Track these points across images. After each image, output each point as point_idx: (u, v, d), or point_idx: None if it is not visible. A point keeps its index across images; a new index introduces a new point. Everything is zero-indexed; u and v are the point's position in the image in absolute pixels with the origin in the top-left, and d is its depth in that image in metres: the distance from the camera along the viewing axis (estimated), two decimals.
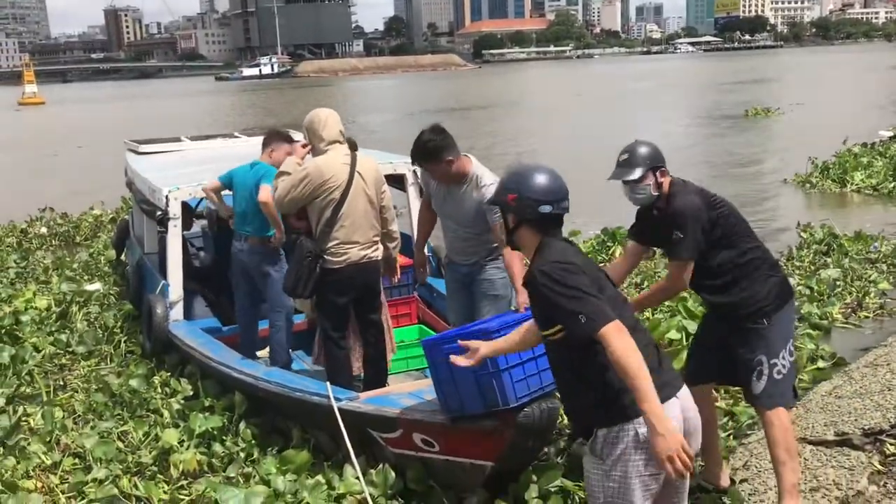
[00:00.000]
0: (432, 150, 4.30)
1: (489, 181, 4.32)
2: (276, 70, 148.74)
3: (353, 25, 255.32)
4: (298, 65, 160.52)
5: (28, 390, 5.58)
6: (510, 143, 23.25)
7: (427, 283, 5.70)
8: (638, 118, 30.46)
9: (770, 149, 19.08)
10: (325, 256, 4.46)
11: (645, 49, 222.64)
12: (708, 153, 19.43)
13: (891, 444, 4.03)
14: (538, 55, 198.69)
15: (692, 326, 5.41)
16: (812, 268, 7.50)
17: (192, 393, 5.03)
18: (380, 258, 4.69)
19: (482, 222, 4.36)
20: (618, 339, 2.38)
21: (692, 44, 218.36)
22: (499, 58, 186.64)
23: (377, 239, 4.65)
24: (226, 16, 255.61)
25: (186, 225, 6.30)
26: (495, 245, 4.42)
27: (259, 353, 5.36)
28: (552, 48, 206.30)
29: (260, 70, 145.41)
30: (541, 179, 2.74)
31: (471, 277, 4.56)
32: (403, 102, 49.19)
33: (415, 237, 5.32)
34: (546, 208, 2.69)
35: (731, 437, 4.38)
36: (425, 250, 5.19)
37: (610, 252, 8.48)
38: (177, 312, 5.61)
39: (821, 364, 5.47)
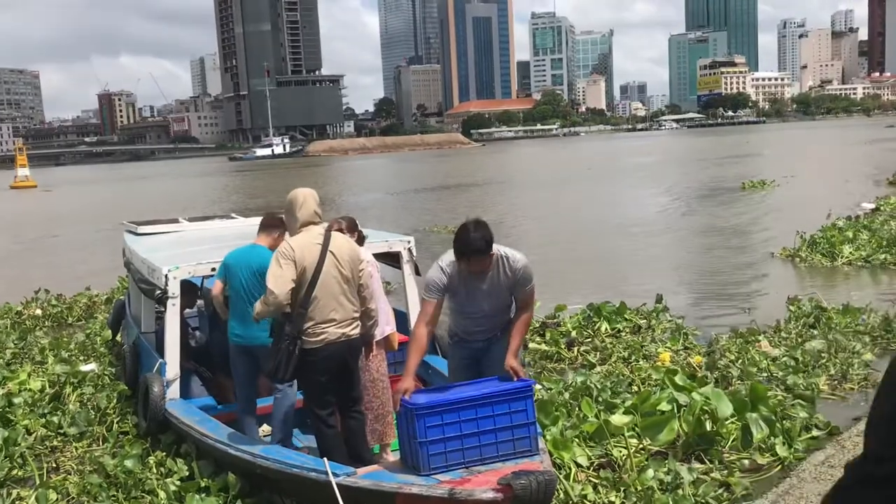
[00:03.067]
0: (485, 245, 4.34)
1: (519, 259, 4.52)
2: (287, 150, 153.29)
3: (344, 107, 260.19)
4: (309, 144, 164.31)
5: (20, 473, 5.53)
6: (523, 218, 23.56)
7: (424, 362, 5.74)
8: (641, 192, 31.06)
9: (762, 221, 19.36)
10: (303, 337, 4.49)
11: (630, 126, 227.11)
12: (700, 224, 19.73)
13: None
14: (525, 133, 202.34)
15: (683, 398, 5.48)
16: (799, 339, 7.58)
17: (188, 473, 5.01)
18: (358, 336, 4.73)
19: (507, 299, 4.58)
20: None
21: (676, 120, 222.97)
22: (487, 136, 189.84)
23: (356, 316, 4.69)
24: (218, 99, 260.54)
25: (190, 302, 6.36)
26: (508, 318, 4.63)
27: (260, 430, 5.36)
28: (539, 126, 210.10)
29: (272, 150, 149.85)
30: None
31: (484, 351, 4.67)
32: (405, 180, 49.82)
33: (411, 315, 5.38)
34: None
35: None
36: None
37: (595, 326, 8.52)
38: (173, 391, 5.63)
39: (815, 433, 5.50)
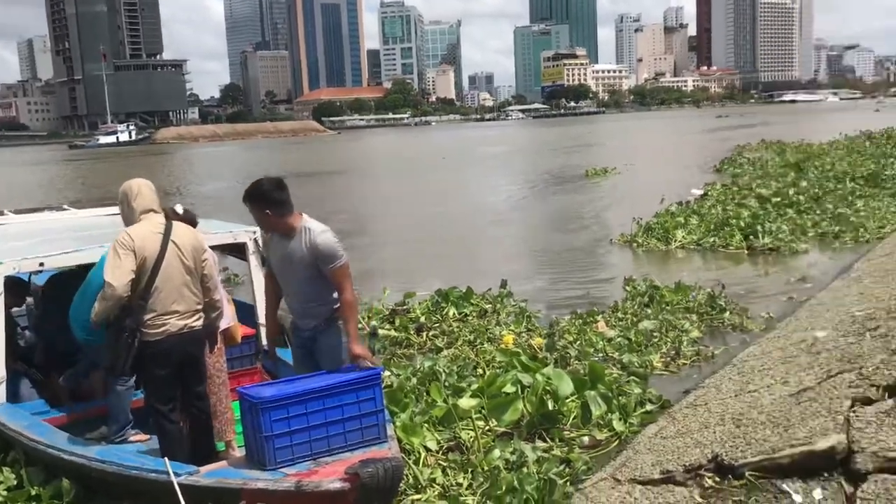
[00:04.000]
0: (255, 193, 4.47)
1: (320, 233, 4.44)
2: (133, 137, 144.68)
3: (188, 93, 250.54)
4: (157, 131, 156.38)
5: None
6: (380, 205, 23.45)
7: (275, 354, 5.64)
8: (493, 180, 31.65)
9: (604, 208, 20.23)
10: (143, 329, 4.34)
11: (479, 116, 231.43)
12: (547, 211, 20.40)
13: (708, 478, 4.35)
14: (377, 122, 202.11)
15: (527, 379, 5.66)
16: (634, 319, 8.01)
17: (15, 482, 4.70)
18: (202, 327, 4.61)
19: (319, 279, 4.45)
20: None
21: (523, 111, 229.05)
22: (339, 124, 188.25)
23: (199, 308, 4.57)
24: (49, 84, 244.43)
25: (17, 300, 5.96)
26: (336, 307, 4.50)
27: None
28: (391, 115, 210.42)
29: (117, 137, 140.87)
30: None
31: (313, 341, 4.60)
32: (258, 168, 48.45)
33: (259, 307, 5.27)
34: None
35: (568, 483, 4.57)
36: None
37: (444, 312, 8.65)
38: None
39: (648, 407, 5.83)
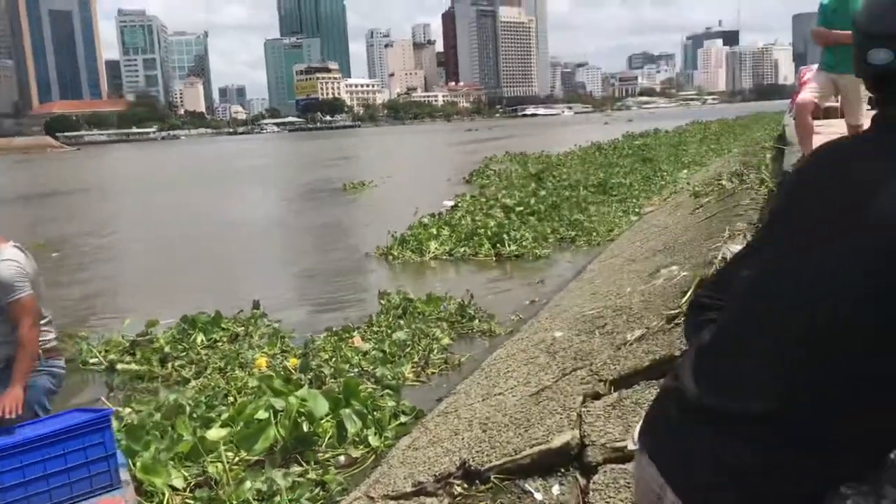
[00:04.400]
0: None
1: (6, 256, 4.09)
2: None
3: None
4: None
5: None
6: (124, 225, 21.79)
7: None
8: (247, 195, 30.83)
9: (362, 221, 20.31)
10: None
11: (232, 130, 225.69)
12: (305, 226, 20.17)
13: (458, 486, 4.45)
14: (120, 137, 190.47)
15: (279, 403, 5.51)
16: (388, 331, 8.10)
17: None
18: None
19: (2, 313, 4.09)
20: None
21: (278, 124, 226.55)
22: (77, 140, 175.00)
23: None
24: None
25: None
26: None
27: None
28: (135, 130, 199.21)
29: None
30: None
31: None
32: None
33: None
34: None
35: None
36: None
37: (191, 339, 8.25)
38: None
39: (403, 419, 5.89)
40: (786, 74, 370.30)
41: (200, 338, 8.19)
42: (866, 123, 1.45)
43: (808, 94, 6.57)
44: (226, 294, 11.28)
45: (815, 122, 6.75)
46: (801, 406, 1.33)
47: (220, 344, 8.14)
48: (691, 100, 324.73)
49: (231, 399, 6.23)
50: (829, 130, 10.49)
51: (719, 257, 6.26)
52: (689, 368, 1.53)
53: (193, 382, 6.93)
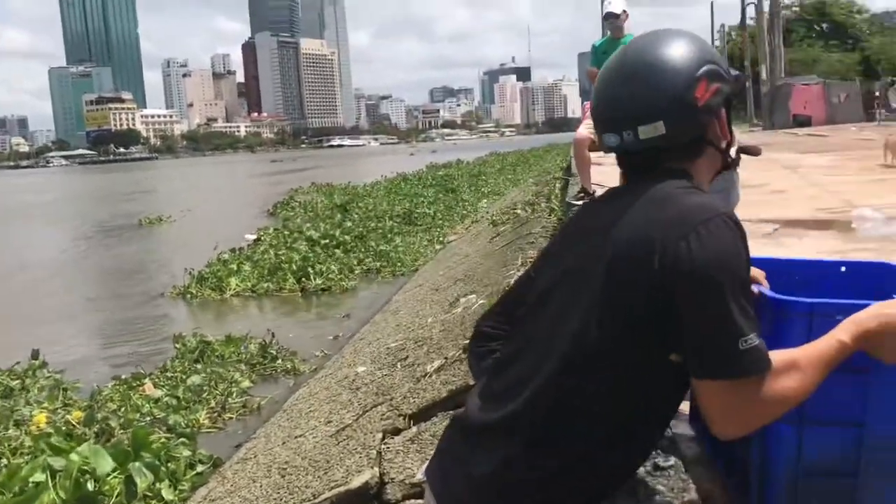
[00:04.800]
0: None
1: None
2: None
3: None
4: None
5: None
6: None
7: None
8: (32, 233, 28.60)
9: (159, 259, 19.35)
10: None
11: (14, 163, 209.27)
12: (96, 266, 18.91)
13: None
14: None
15: (59, 463, 5.07)
16: (183, 377, 7.71)
17: None
18: None
19: None
20: None
21: (66, 157, 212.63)
22: None
23: None
24: None
25: None
26: None
27: None
28: None
29: None
30: None
31: None
32: None
33: None
34: None
35: None
36: None
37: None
38: None
39: (199, 469, 5.59)
40: (573, 108, 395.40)
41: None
42: None
43: (584, 130, 7.01)
44: (3, 342, 10.31)
45: (593, 154, 7.18)
46: (538, 411, 1.50)
47: None
48: (490, 132, 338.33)
49: (3, 462, 5.66)
50: (611, 161, 11.28)
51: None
52: (475, 394, 1.66)
53: None
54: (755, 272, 1.83)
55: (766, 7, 39.01)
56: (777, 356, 1.43)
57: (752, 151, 2.51)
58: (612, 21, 6.95)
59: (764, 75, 38.31)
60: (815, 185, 10.29)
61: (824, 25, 54.12)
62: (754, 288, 1.70)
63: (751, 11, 42.53)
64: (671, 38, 1.56)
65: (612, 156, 1.65)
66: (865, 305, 1.54)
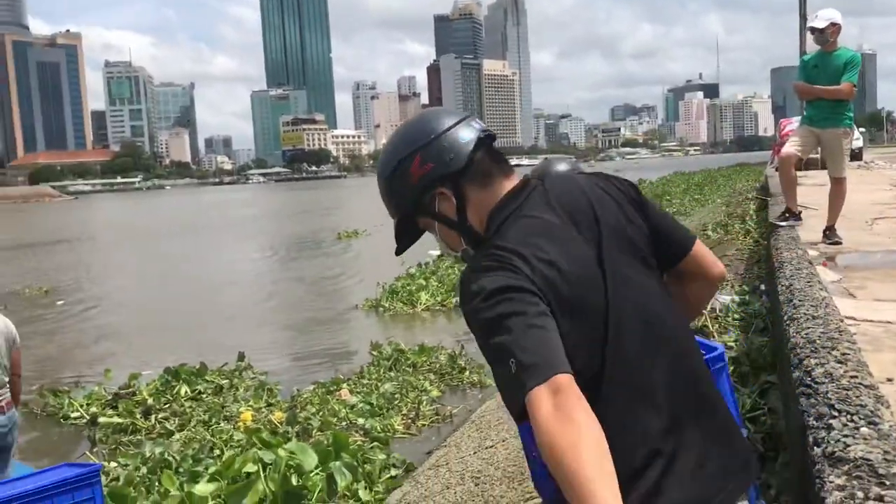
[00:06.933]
0: None
1: None
2: None
3: None
4: None
5: None
6: (114, 276, 21.64)
7: None
8: (237, 245, 30.78)
9: (354, 271, 20.17)
10: None
11: (218, 180, 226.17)
12: (298, 276, 20.07)
13: None
14: (105, 187, 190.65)
15: (268, 457, 5.42)
16: (378, 384, 8.03)
17: None
18: None
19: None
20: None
21: (263, 174, 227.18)
22: (61, 190, 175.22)
23: None
24: None
25: None
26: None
27: None
28: (120, 179, 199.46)
29: None
30: None
31: None
32: None
33: None
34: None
35: None
36: None
37: (174, 391, 8.12)
38: None
39: (393, 472, 5.80)
40: (765, 126, 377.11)
41: (184, 389, 8.08)
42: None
43: (790, 148, 6.67)
44: (212, 346, 11.18)
45: (798, 174, 6.84)
46: None
47: (204, 396, 8.03)
48: (674, 150, 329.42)
49: (217, 452, 6.13)
50: (811, 182, 10.68)
51: (708, 308, 6.27)
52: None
53: (177, 435, 6.83)
54: None
55: None
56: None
57: None
58: (816, 35, 6.59)
59: None
60: None
61: None
62: None
63: None
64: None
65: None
66: None
